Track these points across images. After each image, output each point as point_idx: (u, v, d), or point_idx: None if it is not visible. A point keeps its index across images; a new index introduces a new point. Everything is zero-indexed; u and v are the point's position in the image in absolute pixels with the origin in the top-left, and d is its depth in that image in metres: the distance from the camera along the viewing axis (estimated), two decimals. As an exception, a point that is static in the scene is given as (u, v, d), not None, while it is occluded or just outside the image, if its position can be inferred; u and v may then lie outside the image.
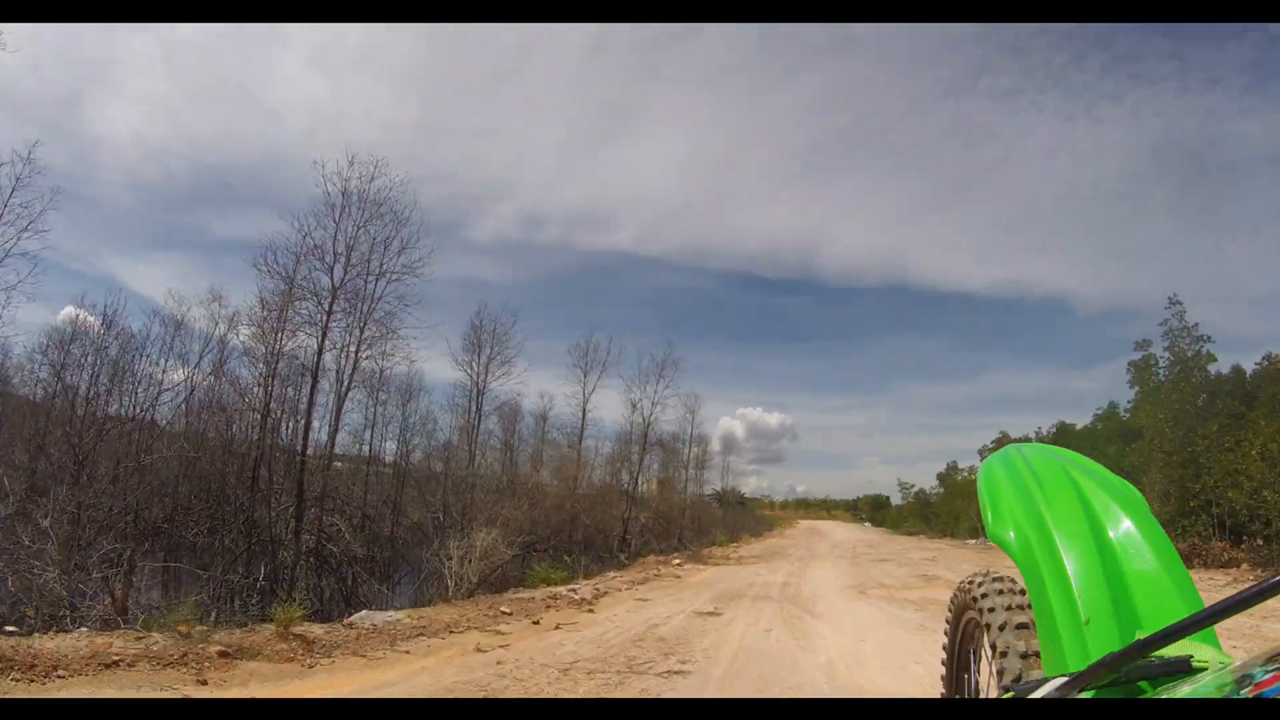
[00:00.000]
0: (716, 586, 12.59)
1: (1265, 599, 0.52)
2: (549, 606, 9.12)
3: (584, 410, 24.02)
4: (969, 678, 1.58)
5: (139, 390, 14.42)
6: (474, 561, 11.83)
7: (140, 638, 5.55)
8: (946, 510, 40.94)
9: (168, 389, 15.10)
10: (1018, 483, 1.16)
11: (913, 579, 13.67)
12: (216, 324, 15.47)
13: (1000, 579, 1.46)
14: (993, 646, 1.32)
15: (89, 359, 13.81)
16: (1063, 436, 29.97)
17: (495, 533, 13.52)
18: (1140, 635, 0.76)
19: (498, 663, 5.94)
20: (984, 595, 1.44)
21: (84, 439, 11.18)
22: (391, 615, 7.62)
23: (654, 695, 5.09)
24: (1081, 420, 30.91)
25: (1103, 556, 0.95)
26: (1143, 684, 0.71)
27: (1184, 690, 0.63)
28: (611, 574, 14.94)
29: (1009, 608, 1.36)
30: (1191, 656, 0.70)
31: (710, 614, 9.08)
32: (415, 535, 16.63)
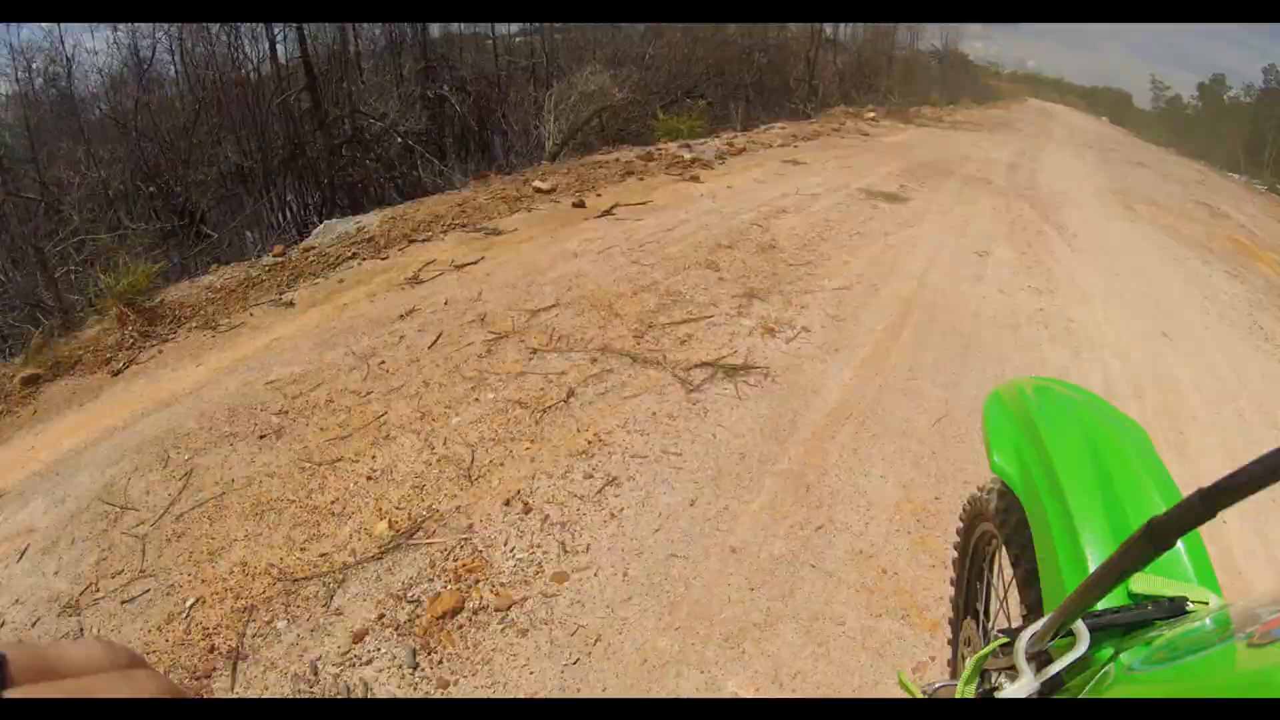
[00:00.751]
0: (913, 153, 8.48)
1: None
2: (630, 174, 5.95)
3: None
4: (980, 594, 1.31)
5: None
6: (566, 114, 8.65)
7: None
8: (1206, 130, 31.99)
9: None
10: (1024, 416, 1.11)
11: (1192, 206, 8.50)
12: None
13: None
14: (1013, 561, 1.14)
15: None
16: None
17: (608, 73, 9.91)
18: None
19: (403, 316, 3.16)
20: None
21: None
22: (362, 220, 4.91)
23: (635, 433, 2.10)
24: None
25: (1104, 492, 0.90)
26: (1143, 628, 0.64)
27: (1182, 631, 0.58)
28: (778, 125, 10.99)
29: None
30: (1187, 598, 0.66)
31: (888, 198, 5.47)
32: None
